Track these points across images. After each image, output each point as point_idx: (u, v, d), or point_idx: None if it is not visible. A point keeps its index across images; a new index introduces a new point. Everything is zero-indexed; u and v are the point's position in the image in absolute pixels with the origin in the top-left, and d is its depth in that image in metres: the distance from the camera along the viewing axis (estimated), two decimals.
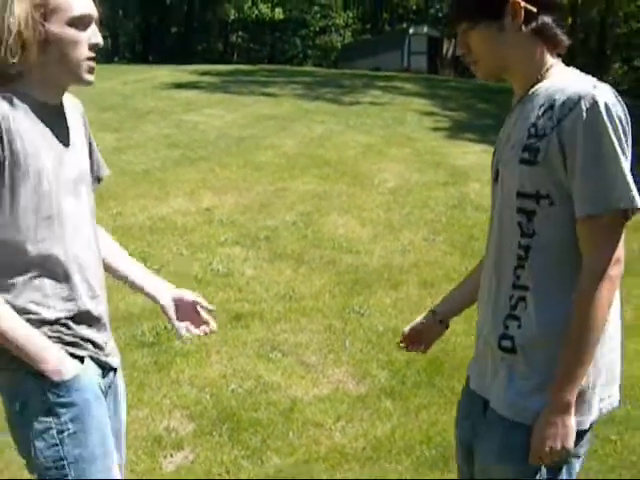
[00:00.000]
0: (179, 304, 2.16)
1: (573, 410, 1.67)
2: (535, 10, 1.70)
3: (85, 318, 1.89)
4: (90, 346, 1.90)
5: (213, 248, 6.13)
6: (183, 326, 2.16)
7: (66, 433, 1.81)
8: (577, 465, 1.79)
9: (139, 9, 39.08)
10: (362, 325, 4.93)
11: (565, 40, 1.77)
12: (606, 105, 1.59)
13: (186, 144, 9.48)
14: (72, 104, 2.00)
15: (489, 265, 1.85)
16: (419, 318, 2.25)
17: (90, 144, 2.07)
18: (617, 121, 1.60)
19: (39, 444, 1.81)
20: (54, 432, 1.81)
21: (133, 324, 4.67)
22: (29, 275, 1.80)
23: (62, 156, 1.86)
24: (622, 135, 1.62)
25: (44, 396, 1.80)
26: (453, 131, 10.74)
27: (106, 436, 1.90)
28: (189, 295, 2.19)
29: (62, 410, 1.81)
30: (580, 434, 1.72)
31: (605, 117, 1.59)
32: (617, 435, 3.69)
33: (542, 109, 1.68)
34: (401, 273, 5.83)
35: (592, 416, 1.74)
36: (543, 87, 1.73)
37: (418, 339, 2.28)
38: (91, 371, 1.89)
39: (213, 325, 2.19)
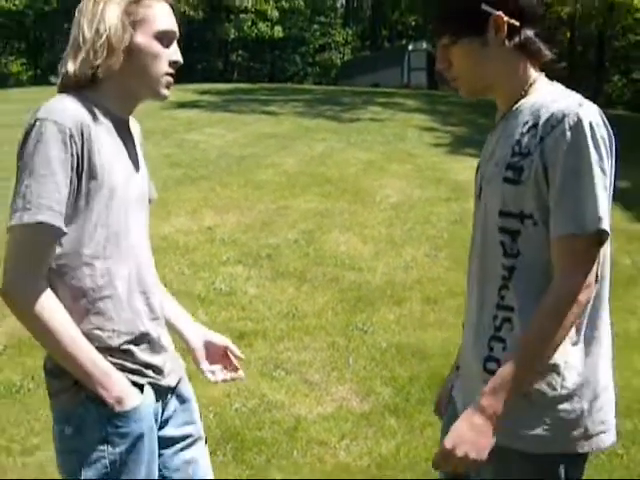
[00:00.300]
0: (209, 347, 2.16)
1: (497, 423, 1.60)
2: (518, 24, 1.67)
3: (146, 340, 1.87)
4: (150, 372, 1.88)
5: (215, 267, 6.14)
6: (210, 370, 2.16)
7: (118, 463, 1.78)
8: None
9: None
10: (365, 342, 4.92)
11: (549, 54, 1.73)
12: (590, 125, 1.56)
13: (187, 163, 9.51)
14: (133, 122, 2.00)
15: (472, 285, 1.80)
16: (443, 388, 2.10)
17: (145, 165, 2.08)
18: (600, 141, 1.57)
19: (88, 472, 1.77)
20: (106, 461, 1.77)
21: None
22: (95, 296, 1.78)
23: (130, 173, 1.87)
24: (604, 155, 1.57)
25: (101, 424, 1.77)
26: (454, 146, 10.77)
27: (153, 470, 1.89)
28: (220, 339, 2.18)
29: (118, 440, 1.77)
30: (573, 459, 1.68)
31: (588, 137, 1.55)
32: (624, 449, 3.67)
33: (526, 126, 1.64)
34: (404, 289, 5.83)
35: (588, 442, 1.68)
36: (527, 103, 1.69)
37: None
38: (149, 400, 1.86)
39: (241, 373, 2.19)
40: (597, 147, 1.56)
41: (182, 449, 2.04)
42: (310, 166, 9.37)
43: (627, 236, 7.12)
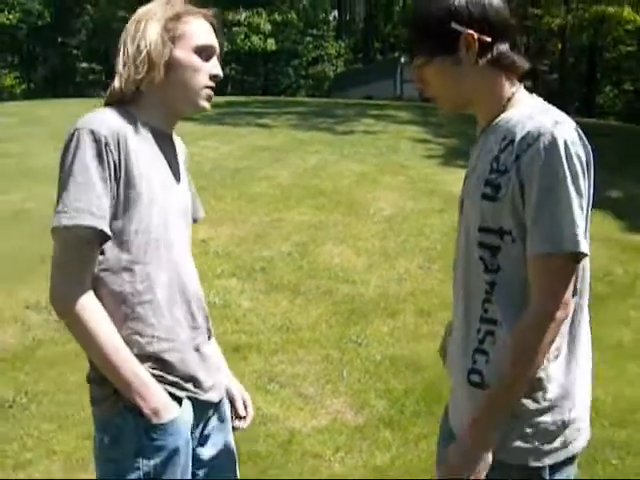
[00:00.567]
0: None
1: (491, 445, 1.64)
2: (490, 40, 1.66)
3: (186, 350, 1.88)
4: (190, 385, 1.89)
5: (210, 280, 6.13)
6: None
7: (152, 475, 1.79)
8: None
9: None
10: (359, 355, 4.92)
11: (524, 65, 1.72)
12: (565, 143, 1.55)
13: None
14: (179, 142, 2.07)
15: (457, 297, 1.80)
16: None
17: (189, 183, 2.12)
18: (575, 160, 1.56)
19: None
20: (140, 473, 1.79)
21: None
22: (134, 301, 1.80)
23: (171, 185, 1.92)
24: (580, 174, 1.57)
25: (138, 435, 1.78)
26: (447, 158, 10.79)
27: None
28: (238, 391, 2.22)
29: (153, 453, 1.79)
30: (556, 467, 1.69)
31: (563, 156, 1.54)
32: (618, 459, 3.68)
33: (504, 143, 1.64)
34: (398, 302, 5.83)
35: (566, 450, 1.71)
36: (505, 119, 1.69)
37: None
38: (187, 414, 1.87)
39: (246, 424, 2.22)
40: (572, 167, 1.55)
41: (214, 470, 2.06)
42: (304, 178, 9.37)
43: (620, 246, 7.15)
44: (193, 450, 1.96)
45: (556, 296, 1.58)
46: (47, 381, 4.49)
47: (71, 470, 3.56)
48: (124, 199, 1.78)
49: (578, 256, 1.58)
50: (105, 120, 1.78)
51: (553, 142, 1.55)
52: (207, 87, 1.91)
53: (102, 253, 1.79)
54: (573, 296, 1.63)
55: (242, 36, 35.78)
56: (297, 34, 40.99)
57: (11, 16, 36.81)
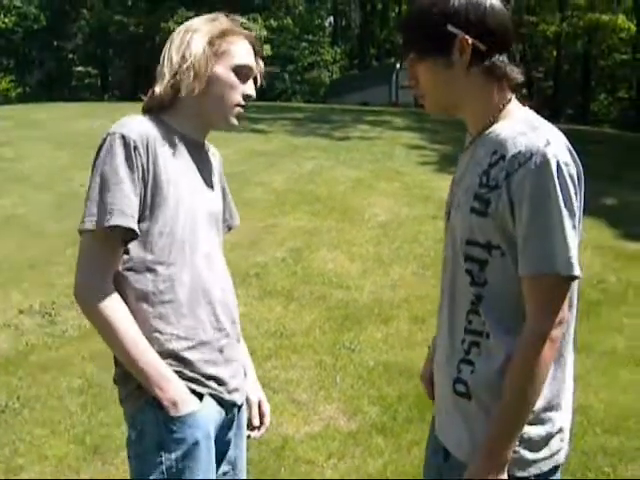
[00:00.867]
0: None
1: (507, 467, 1.62)
2: (485, 48, 1.64)
3: (207, 350, 1.92)
4: (212, 383, 1.93)
5: None
6: None
7: (174, 469, 1.83)
8: None
9: (129, 47, 39.37)
10: (353, 361, 4.92)
11: (518, 77, 1.69)
12: (557, 164, 1.53)
13: None
14: (213, 151, 2.17)
15: (444, 307, 1.79)
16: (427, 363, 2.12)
17: (224, 191, 2.20)
18: (568, 180, 1.55)
19: (148, 478, 1.84)
20: (163, 467, 1.83)
21: None
22: (156, 300, 1.86)
23: (201, 190, 1.99)
24: (572, 194, 1.56)
25: (158, 429, 1.83)
26: (441, 164, 10.80)
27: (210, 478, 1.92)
28: (257, 399, 2.24)
29: (174, 446, 1.83)
30: (542, 477, 1.69)
31: (555, 177, 1.53)
32: (610, 467, 3.68)
33: (494, 157, 1.61)
34: (391, 308, 5.83)
35: (550, 460, 1.70)
36: (495, 132, 1.66)
37: None
38: (208, 409, 1.91)
39: (259, 434, 2.25)
40: (564, 188, 1.54)
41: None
42: (299, 184, 9.38)
43: (614, 253, 7.16)
44: (225, 450, 2.02)
45: (551, 316, 1.58)
46: (40, 386, 4.48)
47: (63, 475, 3.55)
48: (151, 201, 1.85)
49: (571, 277, 1.58)
50: (136, 125, 1.86)
51: (545, 162, 1.53)
52: (239, 105, 2.01)
53: (127, 252, 1.86)
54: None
55: None
56: (293, 40, 41.05)
57: (7, 19, 36.82)
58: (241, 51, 1.99)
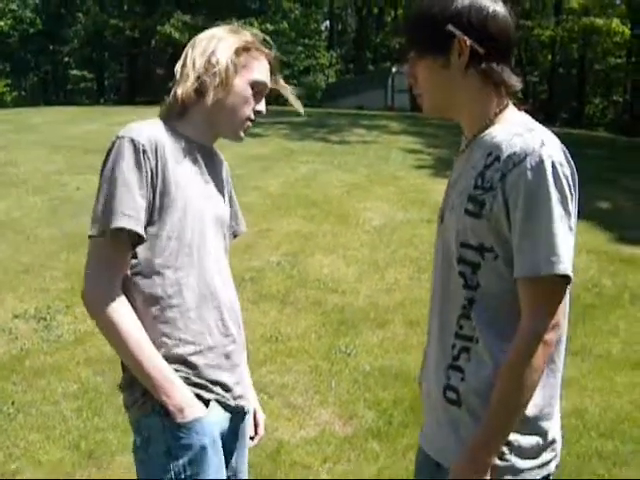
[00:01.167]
0: None
1: (489, 471, 1.61)
2: (483, 51, 1.63)
3: (213, 355, 1.92)
4: (218, 389, 1.93)
5: None
6: None
7: (182, 476, 1.83)
8: None
9: (124, 51, 39.38)
10: (348, 365, 4.92)
11: (516, 85, 1.69)
12: (552, 164, 1.53)
13: None
14: (220, 157, 2.18)
15: (434, 311, 1.78)
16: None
17: (231, 198, 2.20)
18: (563, 181, 1.55)
19: None
20: (172, 474, 1.83)
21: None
22: (164, 304, 1.86)
23: (209, 195, 2.00)
24: (567, 195, 1.55)
25: (165, 435, 1.83)
26: (437, 168, 10.81)
27: None
28: (253, 409, 2.22)
29: (181, 452, 1.83)
30: None
31: (550, 178, 1.53)
32: (605, 470, 3.68)
33: (489, 159, 1.61)
34: (387, 312, 5.83)
35: (542, 470, 1.69)
36: (491, 134, 1.66)
37: None
38: (214, 415, 1.91)
39: (252, 444, 2.22)
40: (560, 188, 1.54)
41: None
42: (294, 188, 9.38)
43: (609, 257, 7.17)
44: (227, 456, 2.01)
45: (546, 319, 1.57)
46: (35, 391, 4.47)
47: None
48: (159, 205, 1.85)
49: (567, 279, 1.57)
50: (145, 130, 1.87)
51: (540, 163, 1.53)
52: (249, 119, 2.03)
53: (135, 257, 1.86)
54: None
55: None
56: (289, 44, 41.09)
57: (2, 23, 36.82)
58: (261, 67, 2.02)
